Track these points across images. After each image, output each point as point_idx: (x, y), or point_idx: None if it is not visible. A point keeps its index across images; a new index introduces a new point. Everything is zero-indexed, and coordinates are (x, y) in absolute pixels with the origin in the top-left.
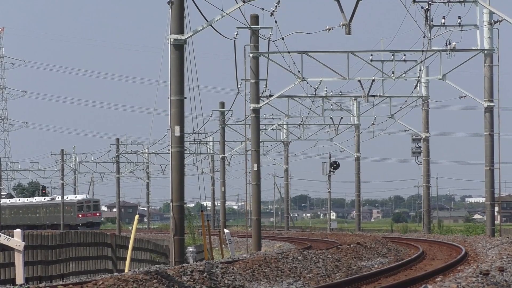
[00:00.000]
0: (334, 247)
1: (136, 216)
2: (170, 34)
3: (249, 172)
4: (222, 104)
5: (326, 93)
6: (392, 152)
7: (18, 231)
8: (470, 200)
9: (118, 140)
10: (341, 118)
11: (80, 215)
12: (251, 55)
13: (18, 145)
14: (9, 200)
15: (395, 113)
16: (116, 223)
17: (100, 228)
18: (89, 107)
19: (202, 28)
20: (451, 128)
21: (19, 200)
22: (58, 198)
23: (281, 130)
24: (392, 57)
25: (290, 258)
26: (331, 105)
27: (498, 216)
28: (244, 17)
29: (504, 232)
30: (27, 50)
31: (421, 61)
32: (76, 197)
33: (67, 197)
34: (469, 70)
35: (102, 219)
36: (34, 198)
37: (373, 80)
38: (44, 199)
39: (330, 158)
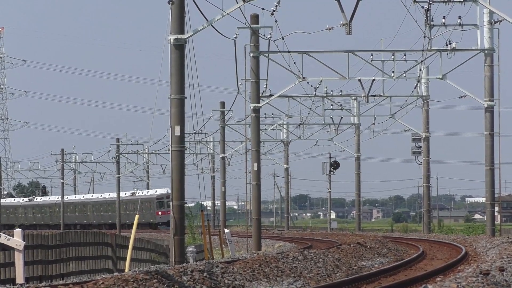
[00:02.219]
0: (334, 247)
1: (136, 216)
2: (171, 33)
3: (249, 172)
4: (222, 104)
5: (326, 93)
6: (393, 152)
7: (18, 231)
8: (470, 200)
9: (118, 139)
10: (341, 117)
11: (160, 213)
12: (251, 54)
13: (18, 145)
14: (92, 196)
15: (395, 112)
16: None
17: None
18: (89, 107)
19: (202, 28)
20: (452, 128)
21: (101, 195)
22: (141, 193)
23: (281, 129)
24: (393, 57)
25: (290, 258)
26: (331, 104)
27: (499, 216)
28: (245, 17)
29: (504, 232)
30: (28, 50)
31: (422, 61)
32: (156, 192)
33: (147, 192)
34: (469, 70)
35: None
36: (124, 193)
37: (373, 80)
38: (125, 194)
39: (330, 157)
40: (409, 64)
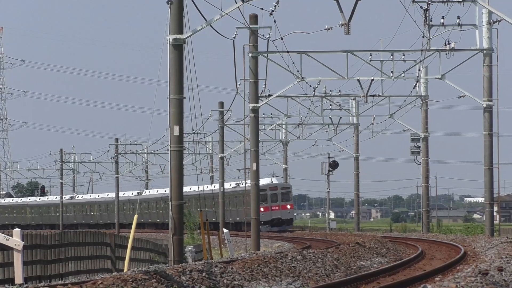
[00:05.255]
0: (333, 246)
1: (136, 216)
2: (169, 33)
3: (248, 172)
4: (221, 104)
5: (325, 93)
6: (391, 152)
7: (17, 231)
8: (469, 199)
9: (117, 139)
10: (340, 117)
11: (262, 209)
12: (250, 54)
13: (17, 145)
14: (190, 189)
15: (394, 112)
16: None
17: (292, 227)
18: (88, 107)
19: (201, 28)
20: (450, 127)
21: (190, 188)
22: (260, 181)
23: (280, 129)
24: (391, 57)
25: (289, 258)
26: (330, 104)
27: (497, 216)
28: (243, 17)
29: (503, 231)
30: (26, 50)
31: (420, 61)
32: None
33: (243, 183)
34: (468, 70)
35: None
36: (214, 185)
37: (372, 80)
38: (230, 185)
39: (329, 157)
40: (408, 64)
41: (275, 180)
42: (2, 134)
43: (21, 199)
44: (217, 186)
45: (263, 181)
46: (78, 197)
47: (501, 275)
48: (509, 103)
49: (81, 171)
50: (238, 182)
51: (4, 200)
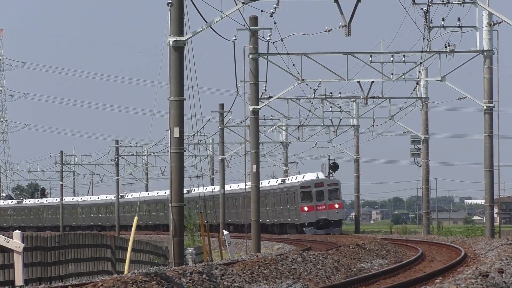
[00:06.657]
0: (333, 248)
1: (136, 217)
2: (170, 35)
3: (249, 174)
4: (222, 106)
5: (325, 95)
6: (392, 154)
7: (17, 233)
8: (469, 201)
9: (117, 141)
10: (341, 119)
11: (306, 208)
12: (250, 56)
13: (17, 147)
14: (268, 183)
15: (395, 114)
16: None
17: (341, 230)
18: (89, 109)
19: (201, 30)
20: (451, 129)
21: (277, 181)
22: (291, 180)
23: (281, 131)
24: (392, 59)
25: (290, 260)
26: (331, 106)
27: (498, 218)
28: (244, 19)
29: (503, 233)
30: (27, 52)
31: (421, 63)
32: (303, 177)
33: (290, 178)
34: (468, 72)
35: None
36: (275, 179)
37: (373, 82)
38: (276, 181)
39: (329, 159)
40: (408, 66)
41: (321, 176)
42: (2, 136)
43: (72, 198)
44: (241, 185)
45: (308, 177)
46: (127, 195)
47: (502, 277)
48: (509, 105)
49: (81, 173)
50: (284, 178)
51: (56, 199)
